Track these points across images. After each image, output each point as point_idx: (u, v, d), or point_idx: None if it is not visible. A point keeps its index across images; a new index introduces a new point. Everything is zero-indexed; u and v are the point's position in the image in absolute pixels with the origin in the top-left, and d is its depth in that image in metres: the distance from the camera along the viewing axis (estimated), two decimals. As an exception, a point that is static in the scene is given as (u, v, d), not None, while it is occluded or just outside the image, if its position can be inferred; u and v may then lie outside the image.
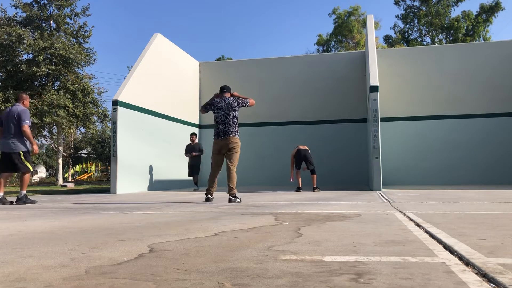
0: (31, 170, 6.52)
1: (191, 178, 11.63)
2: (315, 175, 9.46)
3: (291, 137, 13.35)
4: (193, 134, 11.47)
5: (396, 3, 33.04)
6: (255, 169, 13.60)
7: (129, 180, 10.32)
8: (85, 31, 21.25)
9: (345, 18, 34.56)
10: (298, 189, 9.26)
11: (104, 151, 38.81)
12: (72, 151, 38.60)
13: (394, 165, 12.34)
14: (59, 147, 21.31)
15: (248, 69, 14.80)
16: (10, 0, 32.53)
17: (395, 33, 33.49)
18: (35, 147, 6.53)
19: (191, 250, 2.23)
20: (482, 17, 30.87)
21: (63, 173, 28.01)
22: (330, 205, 5.34)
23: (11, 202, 6.34)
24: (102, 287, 1.52)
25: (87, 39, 21.42)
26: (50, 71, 18.99)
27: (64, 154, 30.22)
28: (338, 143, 13.57)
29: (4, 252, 2.25)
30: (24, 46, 18.60)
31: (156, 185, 11.64)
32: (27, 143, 6.46)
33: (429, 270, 1.70)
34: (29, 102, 17.59)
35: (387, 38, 33.57)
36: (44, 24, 20.70)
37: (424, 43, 32.54)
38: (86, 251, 2.22)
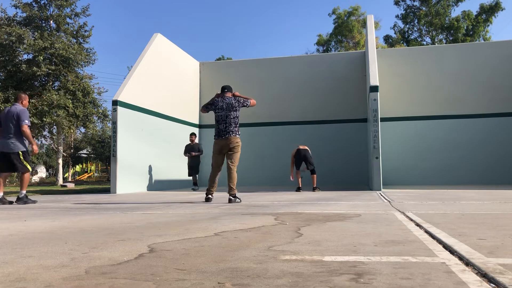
0: (30, 170, 6.52)
1: (191, 178, 11.63)
2: (315, 175, 9.46)
3: (291, 137, 13.35)
4: (192, 134, 11.47)
5: (396, 3, 33.05)
6: (255, 169, 13.60)
7: (129, 180, 10.32)
8: (85, 31, 21.26)
9: (345, 18, 34.56)
10: (298, 189, 9.26)
11: (104, 151, 38.81)
12: (72, 151, 38.60)
13: (394, 165, 12.34)
14: (59, 147, 21.31)
15: (248, 69, 14.80)
16: (10, 0, 32.54)
17: (395, 33, 33.50)
18: (35, 147, 6.53)
19: (191, 250, 2.23)
20: (482, 17, 30.88)
21: (63, 173, 28.01)
22: (330, 205, 5.34)
23: (11, 202, 6.34)
24: (102, 287, 1.52)
25: (87, 39, 21.42)
26: (50, 71, 18.99)
27: (64, 154, 30.23)
28: (338, 143, 13.57)
29: (4, 252, 2.25)
30: (24, 46, 18.60)
31: (156, 185, 11.64)
32: (26, 143, 6.46)
33: (429, 270, 1.70)
34: (29, 102, 17.73)
35: (387, 38, 33.57)
36: (44, 24, 20.70)
37: (424, 43, 32.54)
38: (86, 251, 2.22)
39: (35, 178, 33.18)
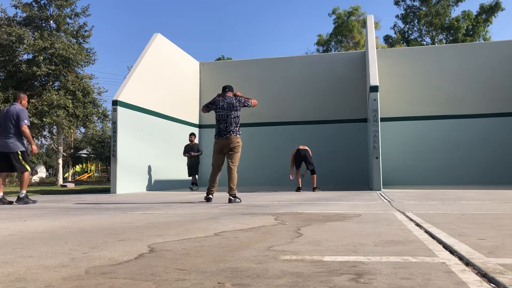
0: (29, 169, 6.51)
1: (190, 178, 11.62)
2: (315, 175, 9.46)
3: (291, 137, 13.35)
4: (192, 135, 11.44)
5: (396, 3, 33.04)
6: (255, 169, 13.60)
7: (129, 180, 10.32)
8: (85, 31, 21.26)
9: (345, 18, 34.56)
10: (298, 189, 9.26)
11: (104, 151, 38.80)
12: (72, 151, 38.60)
13: (394, 165, 12.34)
14: (59, 147, 21.32)
15: (248, 69, 14.80)
16: (10, 0, 32.54)
17: (395, 33, 33.50)
18: (34, 147, 6.52)
19: (191, 250, 2.23)
20: (482, 17, 30.88)
21: (63, 173, 28.01)
22: (330, 205, 5.34)
23: (10, 202, 6.33)
24: (102, 287, 1.52)
25: (87, 39, 21.42)
26: (50, 71, 19.00)
27: (64, 154, 30.23)
28: (338, 143, 13.57)
29: (4, 252, 2.25)
30: (24, 46, 18.61)
31: (156, 185, 11.64)
32: (25, 142, 6.45)
33: (429, 270, 1.70)
34: (29, 102, 17.74)
35: (387, 38, 33.57)
36: (44, 24, 20.70)
37: (424, 43, 32.54)
38: (86, 251, 2.22)
39: (35, 178, 33.18)
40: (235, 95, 6.33)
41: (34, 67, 18.38)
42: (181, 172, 12.26)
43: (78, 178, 37.47)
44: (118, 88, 15.85)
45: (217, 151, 6.21)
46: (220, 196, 7.02)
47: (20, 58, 19.55)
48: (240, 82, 13.60)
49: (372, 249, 2.18)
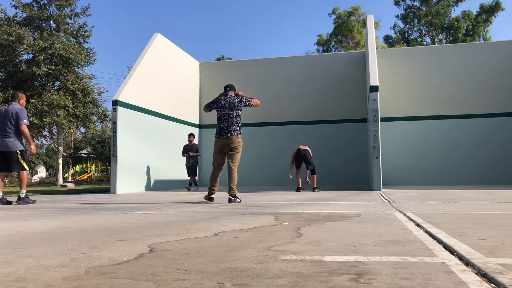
0: (28, 169, 6.50)
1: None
2: (315, 175, 9.47)
3: (291, 137, 13.35)
4: (191, 135, 11.39)
5: (396, 3, 33.04)
6: (255, 169, 13.61)
7: (129, 180, 10.32)
8: (85, 31, 21.26)
9: (345, 18, 34.56)
10: (298, 189, 9.26)
11: (104, 151, 38.81)
12: (72, 151, 38.60)
13: (394, 165, 12.35)
14: (59, 147, 21.31)
15: (248, 69, 14.80)
16: (10, 0, 32.52)
17: (395, 33, 33.50)
18: (33, 147, 6.51)
19: (191, 250, 2.23)
20: (482, 17, 30.88)
21: (63, 173, 28.01)
22: (330, 205, 5.34)
23: (9, 202, 6.31)
24: (102, 287, 1.52)
25: (87, 39, 21.42)
26: (50, 71, 18.99)
27: (64, 154, 30.23)
28: (338, 143, 13.58)
29: (4, 252, 2.24)
30: (24, 46, 18.61)
31: (156, 185, 11.64)
32: (24, 142, 6.45)
33: (429, 270, 1.70)
34: (29, 102, 17.75)
35: (387, 38, 33.57)
36: (44, 24, 20.71)
37: (424, 43, 32.54)
38: (86, 251, 2.22)
39: (35, 178, 33.18)
40: (237, 94, 6.32)
41: (34, 67, 18.38)
42: (181, 172, 12.27)
43: (78, 178, 37.47)
44: (118, 88, 15.86)
45: (218, 151, 6.20)
46: (220, 196, 7.02)
47: (20, 58, 19.55)
48: (240, 82, 13.58)
49: (372, 249, 2.18)
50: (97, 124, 23.05)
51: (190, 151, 11.13)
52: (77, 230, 3.12)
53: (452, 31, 31.29)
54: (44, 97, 18.44)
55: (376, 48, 13.05)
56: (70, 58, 19.40)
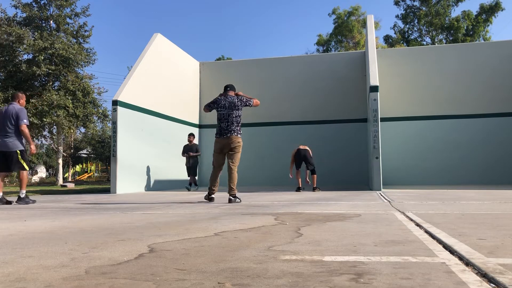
0: (28, 169, 6.50)
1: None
2: (315, 175, 9.47)
3: (291, 137, 13.35)
4: (191, 135, 11.38)
5: (396, 3, 33.04)
6: (255, 169, 13.61)
7: (129, 180, 10.32)
8: (85, 31, 21.26)
9: (345, 18, 34.56)
10: (298, 189, 9.26)
11: (104, 151, 38.81)
12: (72, 151, 38.60)
13: (394, 165, 12.35)
14: (59, 147, 21.31)
15: (248, 69, 14.81)
16: (10, 0, 32.53)
17: (395, 33, 33.50)
18: (33, 147, 6.50)
19: (191, 250, 2.23)
20: (482, 17, 30.88)
21: (63, 173, 28.01)
22: (330, 205, 5.34)
23: (8, 202, 6.30)
24: (102, 287, 1.52)
25: (87, 39, 21.43)
26: (50, 71, 18.99)
27: (64, 154, 30.23)
28: (338, 143, 13.58)
29: (4, 252, 2.24)
30: (24, 46, 18.61)
31: (156, 185, 11.64)
32: (24, 142, 6.44)
33: (429, 270, 1.70)
34: (29, 102, 17.75)
35: (387, 38, 33.57)
36: (44, 24, 20.71)
37: (424, 43, 32.54)
38: (86, 251, 2.22)
39: (35, 178, 33.19)
40: (237, 94, 6.32)
41: (34, 67, 18.38)
42: (181, 172, 12.27)
43: (78, 178, 37.47)
44: (118, 88, 15.86)
45: (218, 151, 6.20)
46: (220, 196, 7.02)
47: (20, 58, 19.55)
48: (240, 82, 13.59)
49: (372, 249, 2.18)
50: (97, 124, 23.07)
51: (190, 151, 11.11)
52: (77, 230, 3.12)
53: (452, 31, 31.29)
54: (44, 97, 18.44)
55: (376, 48, 13.05)
56: (70, 58, 19.40)
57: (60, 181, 20.48)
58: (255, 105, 6.37)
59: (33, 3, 20.50)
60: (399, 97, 13.18)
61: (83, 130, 26.45)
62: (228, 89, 6.34)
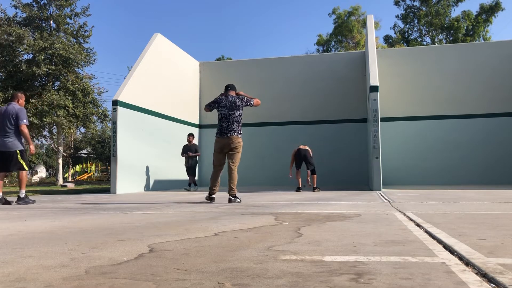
0: (27, 169, 6.50)
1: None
2: (315, 175, 9.47)
3: (291, 137, 13.35)
4: (190, 135, 11.35)
5: (396, 3, 33.04)
6: (256, 169, 13.61)
7: (129, 180, 10.32)
8: (85, 31, 21.26)
9: (345, 18, 34.56)
10: (298, 189, 9.26)
11: (104, 151, 38.81)
12: (72, 151, 38.60)
13: (394, 165, 12.35)
14: (59, 147, 21.31)
15: (248, 69, 14.81)
16: (10, 0, 32.54)
17: (395, 33, 33.49)
18: (32, 147, 6.49)
19: (191, 250, 2.23)
20: (482, 17, 30.87)
21: (63, 173, 28.02)
22: (330, 205, 5.34)
23: (9, 202, 6.29)
24: (102, 287, 1.52)
25: (87, 39, 21.43)
26: (50, 71, 19.00)
27: (64, 154, 30.23)
28: (338, 143, 13.58)
29: (4, 252, 2.24)
30: (24, 46, 18.61)
31: (156, 185, 11.64)
32: (24, 142, 6.44)
33: (429, 270, 1.70)
34: (29, 102, 17.75)
35: (387, 38, 33.57)
36: (44, 24, 20.71)
37: (424, 43, 32.54)
38: (86, 251, 2.22)
39: (35, 178, 33.19)
40: (237, 94, 6.31)
41: (34, 67, 18.38)
42: (181, 172, 12.27)
43: (78, 178, 37.47)
44: (118, 88, 15.87)
45: (218, 150, 6.19)
46: (220, 196, 7.02)
47: (20, 58, 19.55)
48: (240, 82, 13.57)
49: (372, 249, 2.18)
50: (97, 124, 23.07)
51: (189, 151, 11.09)
52: (77, 230, 3.12)
53: (452, 31, 31.29)
54: (44, 97, 18.44)
55: (376, 48, 13.05)
56: (70, 58, 19.40)
57: (60, 181, 20.48)
58: (256, 105, 6.37)
59: (33, 3, 20.50)
60: (399, 97, 13.18)
61: (83, 130, 26.47)
62: (229, 88, 6.34)
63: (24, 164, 6.37)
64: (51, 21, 20.72)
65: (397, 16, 34.93)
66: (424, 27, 32.47)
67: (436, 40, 32.10)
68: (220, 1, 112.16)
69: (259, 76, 14.47)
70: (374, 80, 9.82)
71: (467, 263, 1.82)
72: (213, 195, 6.27)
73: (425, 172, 12.76)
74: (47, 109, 18.23)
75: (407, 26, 33.04)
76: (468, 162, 12.61)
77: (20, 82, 18.85)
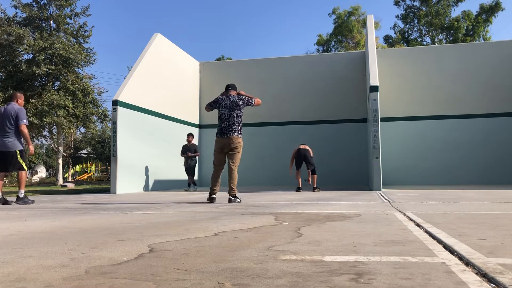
0: (26, 169, 6.49)
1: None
2: (315, 175, 9.47)
3: (291, 137, 13.35)
4: (189, 135, 11.33)
5: (396, 3, 33.04)
6: (256, 169, 13.61)
7: (129, 180, 10.32)
8: (85, 31, 21.26)
9: (345, 18, 34.56)
10: (298, 189, 9.26)
11: (104, 151, 38.81)
12: (72, 151, 38.60)
13: (394, 165, 12.35)
14: (59, 147, 21.31)
15: (248, 69, 14.80)
16: (10, 0, 32.53)
17: (395, 33, 33.49)
18: (31, 147, 6.49)
19: (191, 250, 2.23)
20: (482, 17, 30.87)
21: (63, 173, 28.01)
22: (330, 205, 5.34)
23: (8, 202, 6.28)
24: (102, 287, 1.52)
25: (87, 39, 21.42)
26: (50, 71, 18.99)
27: (64, 154, 30.23)
28: (338, 143, 13.58)
29: (4, 252, 2.24)
30: (24, 46, 18.61)
31: (156, 185, 11.64)
32: (23, 141, 6.44)
33: (429, 270, 1.70)
34: (30, 102, 17.75)
35: (387, 38, 33.57)
36: (44, 24, 20.71)
37: (424, 43, 32.54)
38: (86, 251, 2.22)
39: (35, 178, 33.19)
40: (238, 94, 6.31)
41: (34, 67, 18.38)
42: (181, 172, 12.26)
43: (78, 178, 37.47)
44: (118, 88, 15.86)
45: (218, 150, 6.18)
46: (220, 196, 7.02)
47: (20, 58, 19.55)
48: (240, 82, 13.53)
49: (372, 249, 2.18)
50: (97, 124, 23.08)
51: (188, 151, 11.07)
52: (77, 230, 3.12)
53: (452, 31, 31.29)
54: (44, 97, 18.43)
55: (376, 48, 13.05)
56: (70, 58, 19.40)
57: (60, 181, 20.48)
58: (257, 105, 6.36)
59: (33, 3, 20.50)
60: (399, 97, 13.18)
61: (83, 130, 26.47)
62: (230, 88, 6.33)
63: (23, 164, 6.37)
64: (51, 21, 20.71)
65: (397, 16, 34.95)
66: (424, 27, 32.47)
67: (436, 40, 32.10)
68: (220, 1, 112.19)
69: (259, 76, 14.47)
70: (374, 80, 9.82)
71: (467, 263, 1.82)
72: (214, 195, 6.27)
73: (425, 172, 12.76)
74: (47, 109, 18.23)
75: (407, 26, 33.05)
76: (468, 162, 12.61)
77: (20, 82, 18.85)
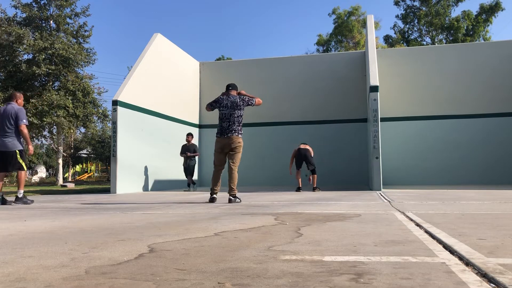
0: (26, 169, 6.49)
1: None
2: (315, 175, 9.46)
3: (291, 137, 13.35)
4: (189, 135, 11.33)
5: (396, 3, 33.04)
6: (256, 169, 13.61)
7: (129, 180, 10.32)
8: (85, 31, 21.26)
9: (345, 18, 34.56)
10: (298, 189, 9.26)
11: (104, 151, 38.81)
12: (72, 151, 38.60)
13: (394, 165, 12.35)
14: (59, 147, 21.31)
15: (248, 69, 14.80)
16: (10, 0, 32.52)
17: (395, 33, 33.50)
18: (31, 147, 6.48)
19: (191, 250, 2.23)
20: (482, 17, 30.87)
21: (63, 173, 28.00)
22: (330, 205, 5.34)
23: (7, 202, 6.28)
24: (102, 287, 1.52)
25: (87, 39, 21.43)
26: (50, 71, 19.00)
27: (64, 154, 30.23)
28: (338, 143, 13.58)
29: (4, 252, 2.24)
30: (24, 46, 18.61)
31: (156, 185, 11.64)
32: (22, 141, 6.43)
33: (429, 270, 1.70)
34: (30, 102, 17.75)
35: (387, 38, 33.57)
36: (44, 24, 20.71)
37: (424, 43, 32.54)
38: (86, 251, 2.22)
39: (35, 178, 33.19)
40: (239, 93, 6.30)
41: (34, 67, 18.38)
42: (181, 172, 12.26)
43: (78, 178, 37.48)
44: (118, 88, 15.86)
45: (218, 150, 6.18)
46: (220, 196, 7.02)
47: (20, 58, 19.55)
48: (240, 82, 13.48)
49: (372, 249, 2.18)
50: (97, 124, 23.08)
51: (188, 151, 11.06)
52: (77, 230, 3.12)
53: (452, 31, 31.29)
54: (44, 97, 18.44)
55: (376, 48, 13.05)
56: (70, 58, 19.40)
57: (60, 181, 20.48)
58: (257, 104, 6.35)
59: (33, 3, 20.50)
60: (399, 97, 13.18)
61: (83, 130, 26.48)
62: (230, 88, 6.31)
63: (23, 164, 6.37)
64: (51, 21, 20.72)
65: (397, 16, 34.95)
66: (424, 27, 32.47)
67: (436, 40, 32.10)
68: (220, 1, 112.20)
69: (259, 76, 14.47)
70: (374, 80, 9.82)
71: (467, 263, 1.82)
72: (215, 195, 6.27)
73: (425, 172, 12.76)
74: (47, 109, 18.23)
75: (407, 26, 33.05)
76: (468, 162, 12.61)
77: (20, 82, 18.85)
